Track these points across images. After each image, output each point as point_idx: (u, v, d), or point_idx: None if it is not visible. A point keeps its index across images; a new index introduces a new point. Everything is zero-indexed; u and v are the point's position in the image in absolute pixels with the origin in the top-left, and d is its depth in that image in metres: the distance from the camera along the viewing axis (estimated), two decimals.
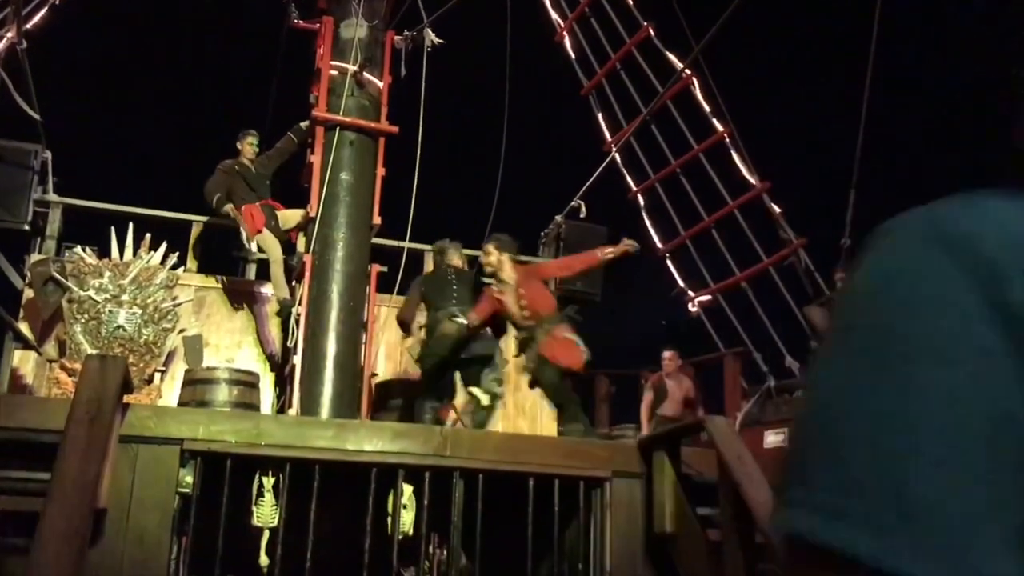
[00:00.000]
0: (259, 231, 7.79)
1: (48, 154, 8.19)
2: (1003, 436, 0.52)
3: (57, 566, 3.05)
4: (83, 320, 7.42)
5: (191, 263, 8.51)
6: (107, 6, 12.02)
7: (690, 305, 10.33)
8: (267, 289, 8.25)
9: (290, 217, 8.04)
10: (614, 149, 10.45)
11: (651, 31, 10.62)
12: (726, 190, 10.16)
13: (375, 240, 7.88)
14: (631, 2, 10.78)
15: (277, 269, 7.79)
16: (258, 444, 4.56)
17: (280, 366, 8.03)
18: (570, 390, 6.25)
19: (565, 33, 11.28)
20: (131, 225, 7.97)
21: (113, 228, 7.86)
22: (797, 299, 9.31)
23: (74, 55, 12.82)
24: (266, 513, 4.73)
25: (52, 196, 8.24)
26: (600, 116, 11.06)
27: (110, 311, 7.49)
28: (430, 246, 8.90)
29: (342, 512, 4.89)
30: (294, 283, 7.74)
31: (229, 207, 7.81)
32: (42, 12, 8.43)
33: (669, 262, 10.62)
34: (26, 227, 8.03)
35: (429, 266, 8.48)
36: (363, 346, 7.43)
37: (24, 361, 7.76)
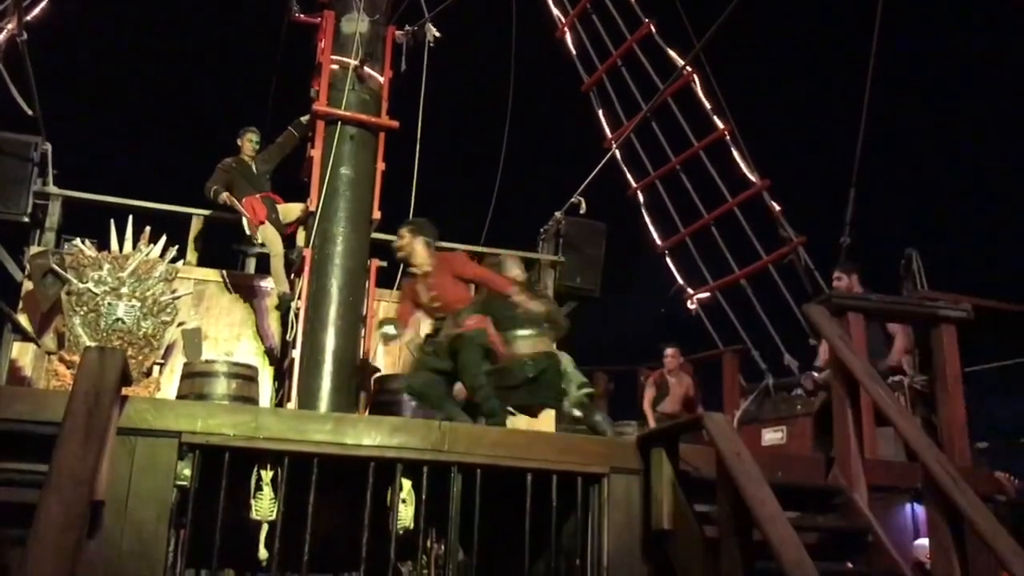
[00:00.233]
0: (262, 222, 7.79)
1: (48, 146, 8.18)
2: None
3: (54, 558, 3.04)
4: (82, 312, 7.41)
5: (191, 256, 8.50)
6: None
7: (689, 303, 10.33)
8: (267, 283, 8.24)
9: (290, 211, 8.03)
10: (614, 146, 10.44)
11: (652, 28, 10.60)
12: (726, 188, 10.14)
13: (375, 235, 7.88)
14: None
15: (277, 263, 7.78)
16: (256, 437, 4.55)
17: (279, 360, 8.02)
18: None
19: (566, 29, 11.26)
20: (131, 218, 7.96)
21: (112, 221, 7.85)
22: (796, 297, 9.30)
23: (75, 47, 12.81)
24: (264, 506, 4.72)
25: (52, 188, 8.22)
26: (601, 112, 11.04)
27: (109, 303, 7.47)
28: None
29: (340, 506, 4.88)
30: (294, 277, 7.73)
31: (225, 195, 7.79)
32: (43, 4, 8.41)
33: (668, 259, 10.61)
34: (25, 219, 8.02)
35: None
36: (362, 341, 7.43)
37: (23, 353, 7.75)
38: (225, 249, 8.91)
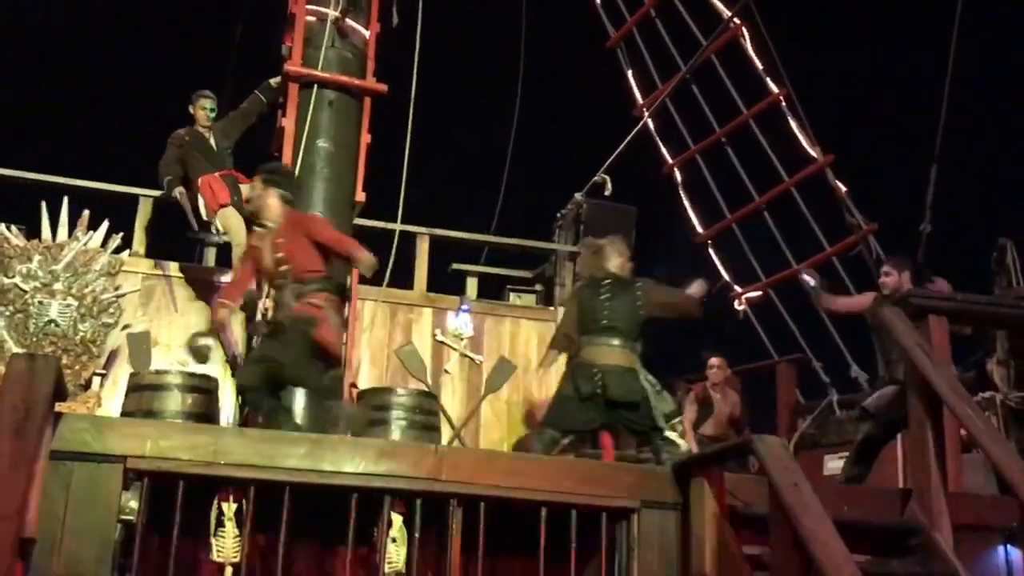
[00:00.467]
0: (222, 206, 7.79)
1: None
2: None
3: None
4: (7, 313, 7.43)
5: (138, 246, 8.51)
6: None
7: (736, 303, 10.33)
8: (229, 278, 8.25)
9: None
10: (646, 114, 10.45)
11: None
12: (781, 164, 10.14)
13: (358, 220, 7.88)
14: None
15: (240, 254, 7.79)
16: (217, 463, 4.55)
17: None
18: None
19: None
20: (66, 200, 7.98)
21: (44, 203, 7.87)
22: None
23: None
24: (228, 546, 4.73)
25: None
26: (630, 74, 11.06)
27: (40, 302, 7.49)
28: (425, 229, 8.92)
29: (318, 546, 4.88)
30: None
31: (178, 192, 7.84)
32: None
33: (711, 250, 10.61)
34: None
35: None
36: (343, 348, 7.43)
37: None
38: (179, 237, 8.92)
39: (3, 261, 7.53)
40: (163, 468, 4.47)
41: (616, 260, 6.83)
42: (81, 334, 7.54)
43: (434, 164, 8.82)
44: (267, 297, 6.98)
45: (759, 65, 10.30)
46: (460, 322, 8.91)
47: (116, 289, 7.78)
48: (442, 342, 8.87)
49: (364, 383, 8.23)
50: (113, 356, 7.89)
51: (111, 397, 7.59)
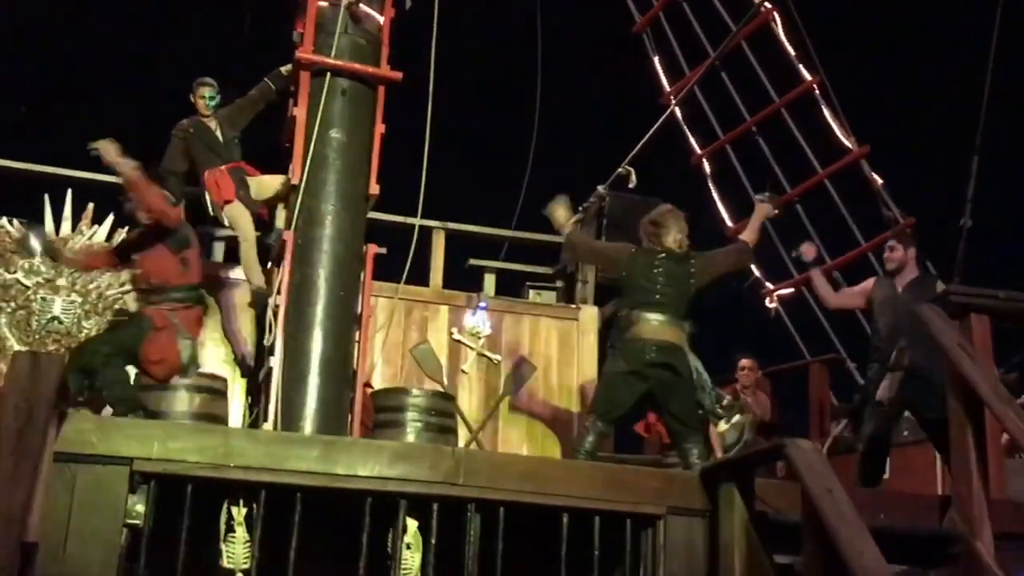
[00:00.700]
0: (228, 201, 7.81)
1: None
2: None
3: None
4: (9, 310, 7.47)
5: None
6: None
7: (768, 300, 10.30)
8: (237, 274, 8.28)
9: (266, 185, 8.05)
10: (674, 102, 10.43)
11: None
12: (814, 155, 10.09)
13: (372, 214, 7.88)
14: None
15: (249, 249, 7.81)
16: (226, 466, 4.57)
17: (254, 370, 8.06)
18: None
19: None
20: (70, 192, 8.01)
21: (47, 196, 7.91)
22: None
23: None
24: (238, 552, 4.75)
25: None
26: (656, 61, 11.03)
27: (43, 299, 7.54)
28: (441, 224, 8.92)
29: (330, 552, 4.90)
30: (271, 267, 7.76)
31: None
32: None
33: None
34: None
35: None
36: (356, 346, 7.45)
37: None
38: None
39: (5, 256, 7.57)
40: (171, 470, 4.50)
41: (675, 235, 6.82)
42: (85, 331, 7.57)
43: (450, 155, 8.81)
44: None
45: (791, 51, 10.26)
46: (477, 320, 8.89)
47: (121, 285, 7.82)
48: (459, 341, 8.86)
49: (378, 383, 8.25)
50: None
51: None
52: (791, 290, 10.21)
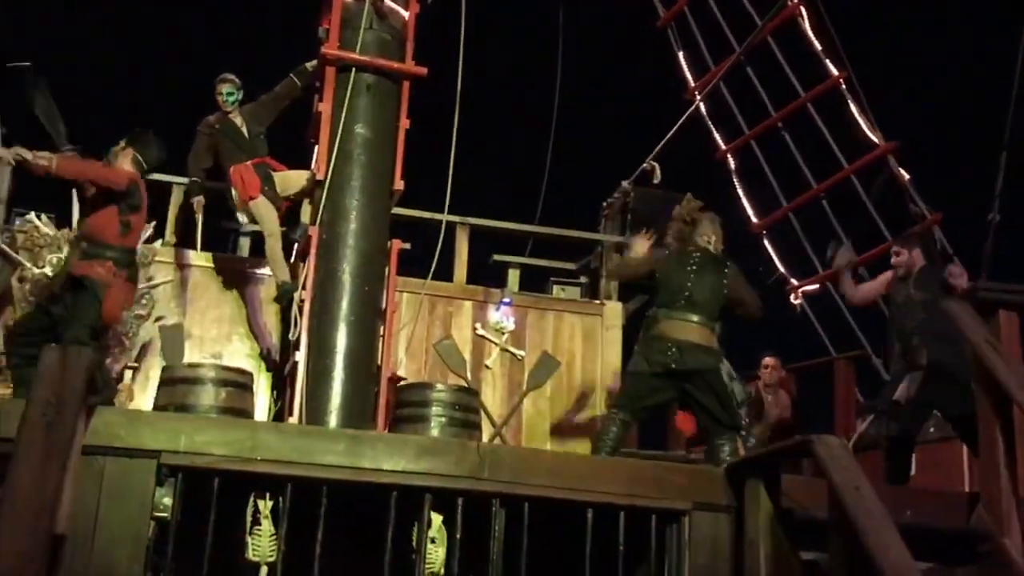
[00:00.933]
0: (252, 197, 7.84)
1: None
2: None
3: None
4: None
5: (170, 236, 8.58)
6: None
7: (792, 296, 10.25)
8: (263, 269, 8.31)
9: (292, 180, 8.07)
10: (698, 97, 10.39)
11: None
12: (840, 150, 10.04)
13: (397, 210, 7.90)
14: None
15: (274, 244, 7.84)
16: (252, 459, 4.60)
17: (279, 364, 8.09)
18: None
19: None
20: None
21: (75, 191, 7.95)
22: None
23: None
24: (263, 545, 4.78)
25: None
26: (681, 55, 10.99)
27: None
28: (465, 219, 8.92)
29: (355, 545, 4.92)
30: (296, 262, 7.78)
31: (196, 202, 7.99)
32: None
33: (766, 241, 10.54)
34: None
35: None
36: (381, 340, 7.47)
37: None
38: (213, 227, 8.98)
39: (33, 251, 7.62)
40: (197, 464, 4.52)
41: (710, 236, 6.82)
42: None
43: (474, 150, 8.80)
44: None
45: (818, 46, 10.20)
46: (501, 315, 8.89)
47: (148, 280, 7.85)
48: (483, 336, 8.87)
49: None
50: (145, 349, 7.97)
51: (143, 391, 7.67)
52: (816, 286, 10.16)
